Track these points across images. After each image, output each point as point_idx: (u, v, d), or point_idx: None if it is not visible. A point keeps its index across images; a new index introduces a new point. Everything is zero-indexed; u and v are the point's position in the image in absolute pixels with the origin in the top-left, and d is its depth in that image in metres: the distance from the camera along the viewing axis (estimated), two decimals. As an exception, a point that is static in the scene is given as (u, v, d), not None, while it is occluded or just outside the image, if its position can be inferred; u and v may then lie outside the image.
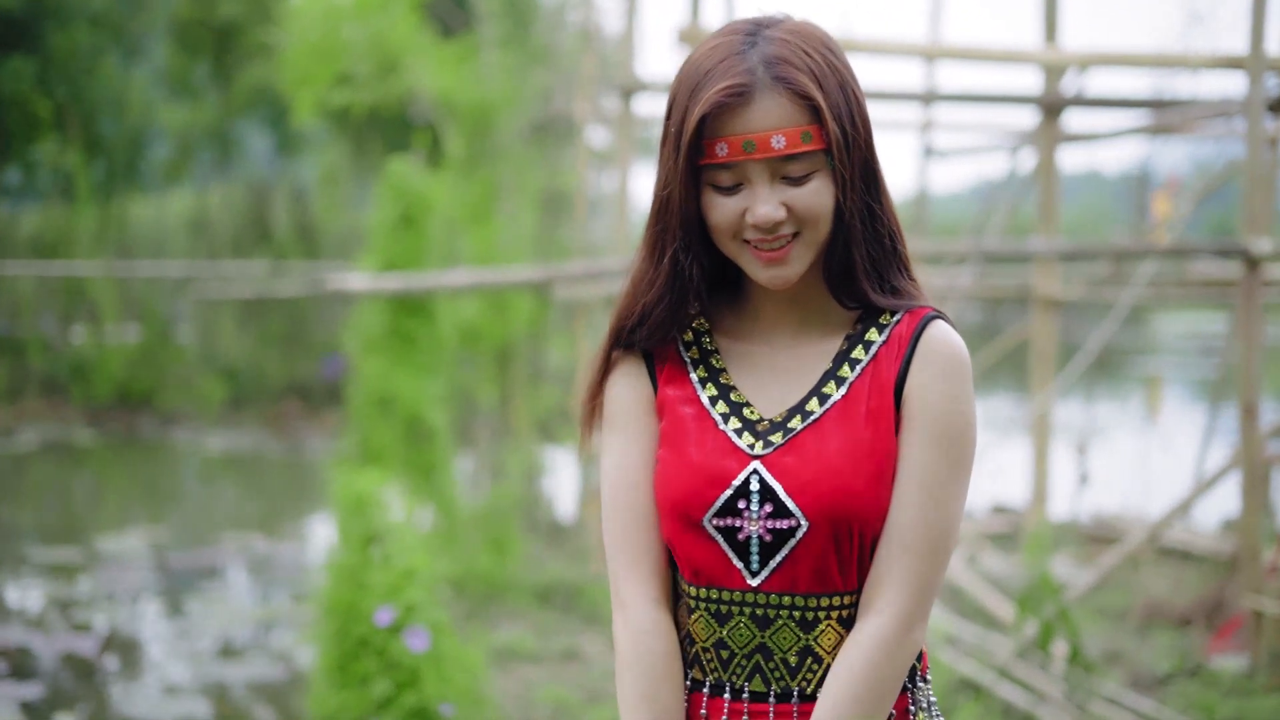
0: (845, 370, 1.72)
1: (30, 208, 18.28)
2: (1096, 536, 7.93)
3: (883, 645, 1.65)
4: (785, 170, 1.64)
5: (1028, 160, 8.45)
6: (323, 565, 5.11)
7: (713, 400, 1.75)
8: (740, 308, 1.80)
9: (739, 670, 1.72)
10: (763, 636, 1.71)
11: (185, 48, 17.36)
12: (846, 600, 1.70)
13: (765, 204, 1.64)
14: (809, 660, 1.70)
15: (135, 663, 6.35)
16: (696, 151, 1.66)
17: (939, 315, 1.73)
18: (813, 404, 1.71)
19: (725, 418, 1.73)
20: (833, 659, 1.70)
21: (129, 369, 15.40)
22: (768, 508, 1.68)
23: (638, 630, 1.73)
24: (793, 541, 1.67)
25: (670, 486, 1.72)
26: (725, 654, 1.73)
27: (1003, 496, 9.21)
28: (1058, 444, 9.65)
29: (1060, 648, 5.16)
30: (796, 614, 1.69)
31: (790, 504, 1.67)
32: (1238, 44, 5.99)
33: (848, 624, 1.70)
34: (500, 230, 8.48)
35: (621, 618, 1.75)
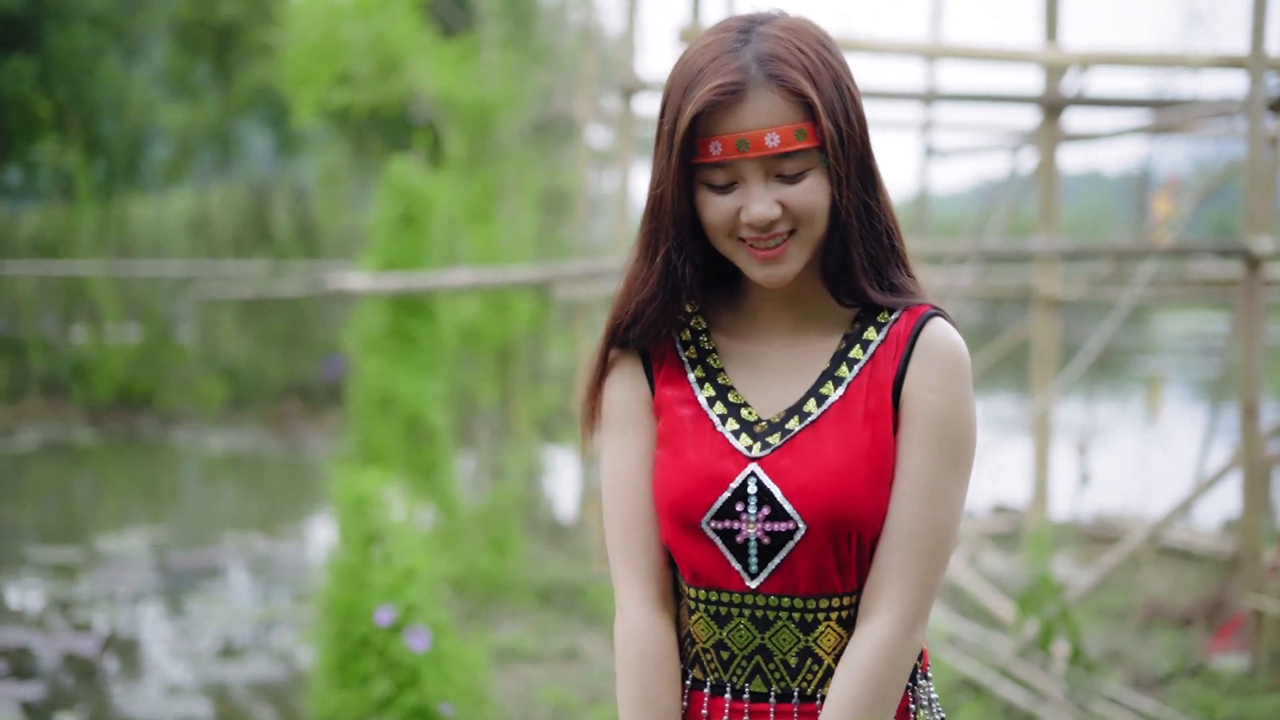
0: (843, 370, 1.71)
1: (31, 207, 18.29)
2: (1097, 536, 7.93)
3: (885, 648, 1.65)
4: (780, 168, 1.63)
5: (1028, 160, 8.45)
6: (323, 565, 5.11)
7: (710, 401, 1.74)
8: (738, 306, 1.79)
9: (739, 671, 1.72)
10: (762, 638, 1.70)
11: (186, 47, 17.36)
12: (846, 601, 1.69)
13: (760, 203, 1.63)
14: (809, 661, 1.70)
15: (136, 663, 6.35)
16: (690, 150, 1.65)
17: (937, 313, 1.72)
18: (810, 405, 1.70)
19: (723, 419, 1.73)
20: (833, 660, 1.70)
21: (129, 369, 15.40)
22: (765, 510, 1.67)
23: (633, 632, 1.74)
24: (791, 544, 1.67)
25: (668, 489, 1.72)
26: (725, 655, 1.73)
27: (1003, 496, 9.21)
28: (1058, 444, 9.65)
29: (1061, 647, 5.16)
30: (796, 615, 1.69)
31: (788, 507, 1.66)
32: (1238, 43, 5.99)
33: (847, 625, 1.70)
34: (501, 230, 8.48)
35: (619, 619, 1.75)
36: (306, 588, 7.27)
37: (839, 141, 1.63)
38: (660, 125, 1.68)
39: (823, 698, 1.71)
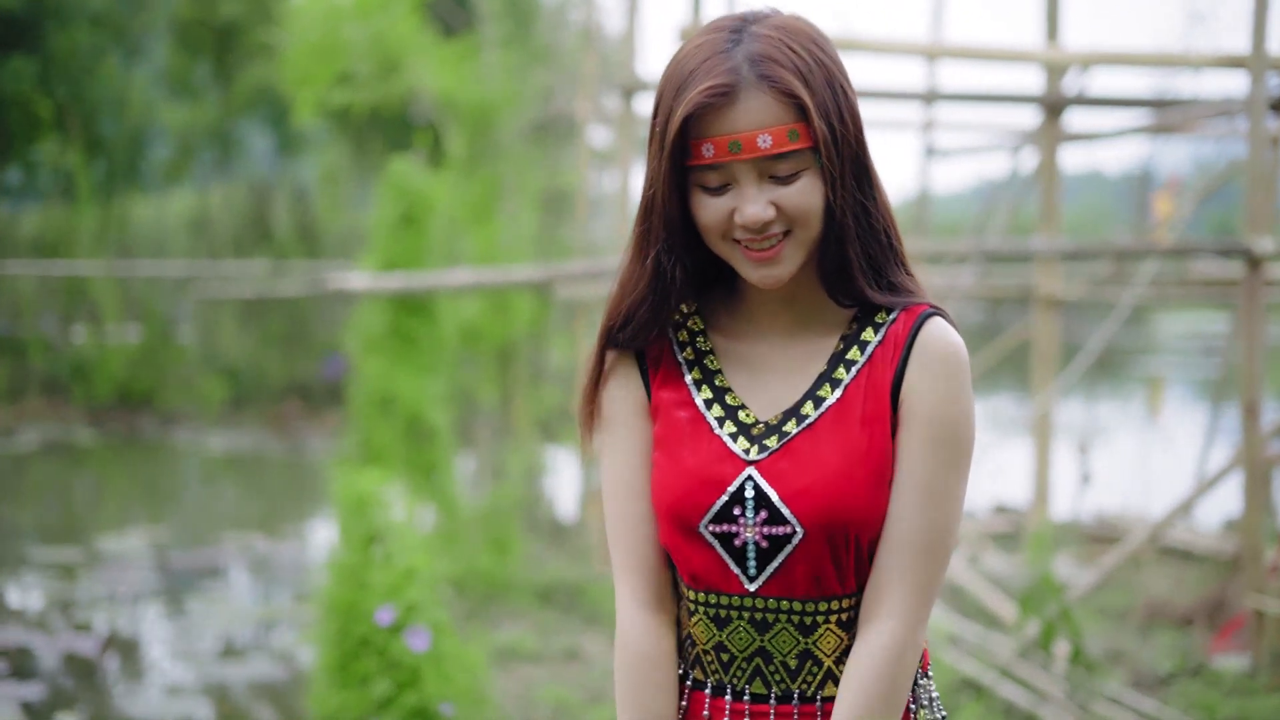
0: (840, 372, 1.70)
1: (31, 207, 18.29)
2: (1098, 536, 7.93)
3: (891, 652, 1.65)
4: (773, 169, 1.62)
5: (1029, 160, 8.45)
6: (324, 565, 5.10)
7: (708, 403, 1.74)
8: (735, 306, 1.78)
9: (739, 673, 1.72)
10: (762, 640, 1.70)
11: (186, 47, 17.37)
12: (845, 604, 1.69)
13: (753, 204, 1.62)
14: (809, 663, 1.70)
15: (136, 663, 6.35)
16: (682, 153, 1.64)
17: (936, 312, 1.71)
18: (808, 407, 1.70)
19: (720, 421, 1.72)
20: (833, 661, 1.70)
21: (130, 369, 15.41)
22: (763, 514, 1.67)
23: (627, 633, 1.75)
24: (789, 548, 1.66)
25: (666, 492, 1.71)
26: (725, 657, 1.73)
27: (1004, 496, 9.20)
28: (1059, 444, 9.65)
29: (1062, 647, 5.16)
30: (795, 618, 1.69)
31: (785, 511, 1.66)
32: (1239, 43, 5.98)
33: (847, 627, 1.70)
34: (501, 230, 8.48)
35: (617, 621, 1.77)
36: (307, 588, 7.27)
37: (832, 141, 1.62)
38: (653, 126, 1.67)
39: (823, 699, 1.70)
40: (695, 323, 1.79)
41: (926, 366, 1.67)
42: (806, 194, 1.63)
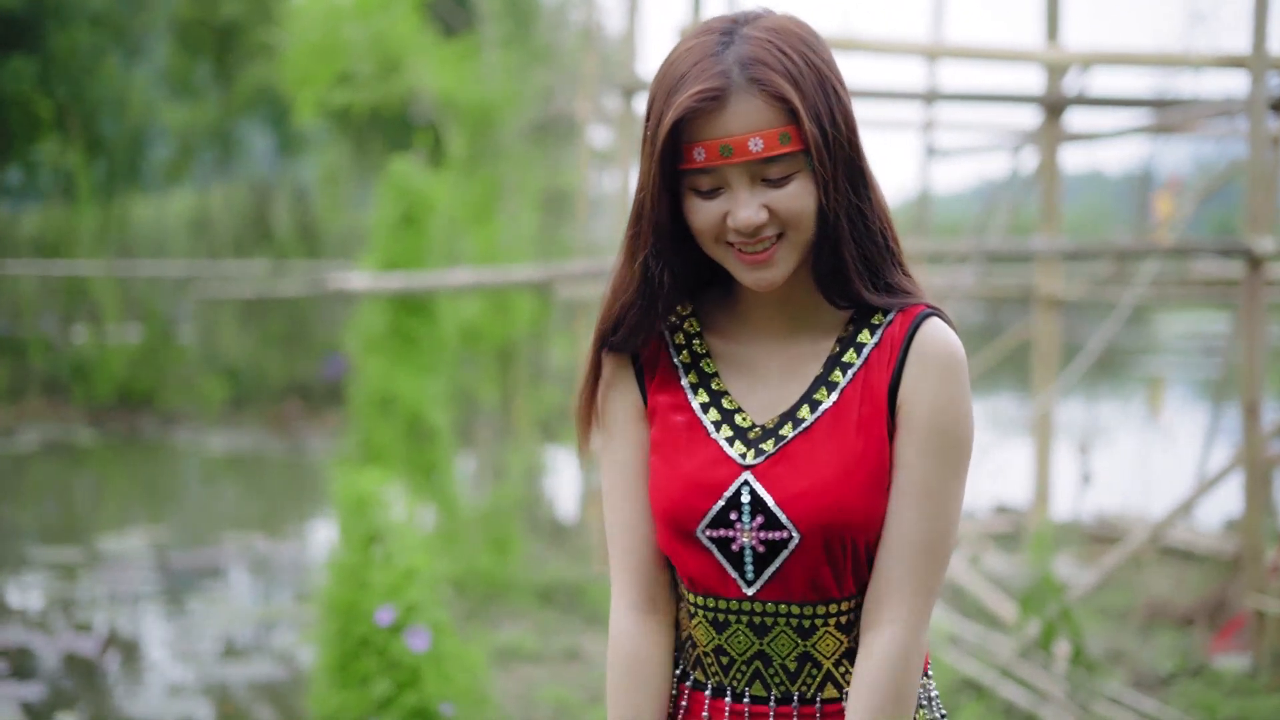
0: (836, 375, 1.70)
1: (31, 207, 18.30)
2: (1099, 536, 7.93)
3: (897, 657, 1.65)
4: (765, 172, 1.61)
5: (1030, 160, 8.45)
6: (324, 565, 5.10)
7: (704, 407, 1.73)
8: (732, 308, 1.78)
9: (739, 675, 1.72)
10: (761, 644, 1.70)
11: (186, 47, 17.37)
12: (844, 606, 1.69)
13: (745, 208, 1.61)
14: (808, 666, 1.70)
15: (136, 663, 6.35)
16: (674, 157, 1.63)
17: (933, 312, 1.70)
18: (804, 411, 1.69)
19: (717, 425, 1.72)
20: (832, 664, 1.70)
21: (130, 369, 15.41)
22: (759, 519, 1.66)
23: (617, 635, 1.76)
24: (785, 552, 1.66)
25: (663, 497, 1.71)
26: (725, 660, 1.73)
27: (1005, 496, 9.20)
28: (1060, 444, 9.64)
29: (1062, 647, 5.16)
30: (793, 622, 1.69)
31: (781, 516, 1.65)
32: (1240, 43, 5.99)
33: (846, 629, 1.70)
34: (501, 230, 8.48)
35: (610, 622, 1.78)
36: (307, 588, 7.27)
37: (823, 144, 1.61)
38: (644, 130, 1.67)
39: (823, 701, 1.71)
40: (691, 325, 1.78)
41: (923, 369, 1.66)
42: (799, 197, 1.62)
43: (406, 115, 10.42)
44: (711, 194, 1.64)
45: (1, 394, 15.12)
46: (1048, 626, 5.08)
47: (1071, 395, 14.11)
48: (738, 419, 1.72)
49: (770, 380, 1.73)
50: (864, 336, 1.70)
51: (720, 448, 1.70)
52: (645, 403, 1.77)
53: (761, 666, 1.71)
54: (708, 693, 1.75)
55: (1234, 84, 9.29)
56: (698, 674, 1.76)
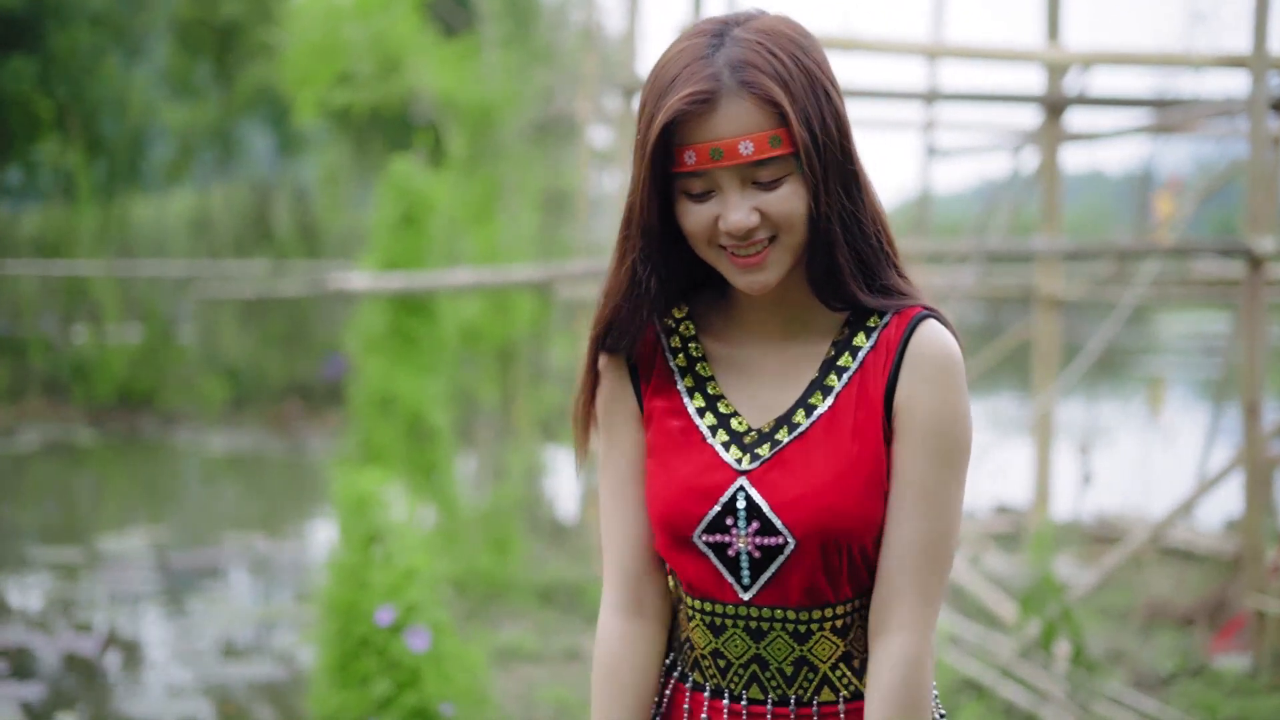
0: (832, 379, 1.69)
1: (32, 207, 18.30)
2: (1099, 536, 7.93)
3: (909, 663, 1.64)
4: (756, 175, 1.60)
5: (1030, 160, 8.45)
6: (324, 565, 5.10)
7: (700, 412, 1.73)
8: (727, 310, 1.77)
9: (737, 678, 1.72)
10: (758, 648, 1.70)
11: (186, 47, 17.37)
12: (839, 610, 1.69)
13: (736, 211, 1.61)
14: (805, 669, 1.70)
15: (136, 663, 6.35)
16: (665, 160, 1.62)
17: (929, 314, 1.69)
18: (799, 416, 1.69)
19: (713, 430, 1.71)
20: (828, 668, 1.70)
21: (130, 369, 15.41)
22: (755, 525, 1.66)
23: (600, 637, 1.78)
24: (781, 558, 1.66)
25: (659, 503, 1.71)
26: (722, 663, 1.73)
27: (1005, 496, 9.20)
28: (1060, 444, 9.64)
29: (1063, 647, 5.16)
30: (789, 626, 1.69)
31: (777, 522, 1.65)
32: (1240, 43, 5.98)
33: (842, 633, 1.70)
34: (502, 230, 8.48)
35: (597, 624, 1.79)
36: (307, 588, 7.26)
37: (814, 147, 1.60)
38: (636, 133, 1.66)
39: (819, 703, 1.71)
40: (687, 328, 1.78)
41: (920, 372, 1.66)
42: (790, 199, 1.61)
43: (406, 115, 10.41)
44: (703, 197, 1.63)
45: (2, 394, 15.12)
46: (1048, 626, 5.08)
47: (1072, 395, 14.10)
48: (734, 423, 1.71)
49: (766, 383, 1.72)
50: (859, 340, 1.70)
51: (716, 453, 1.70)
52: (640, 407, 1.77)
53: (758, 670, 1.71)
54: (706, 694, 1.75)
55: (1234, 84, 9.30)
56: (696, 675, 1.76)
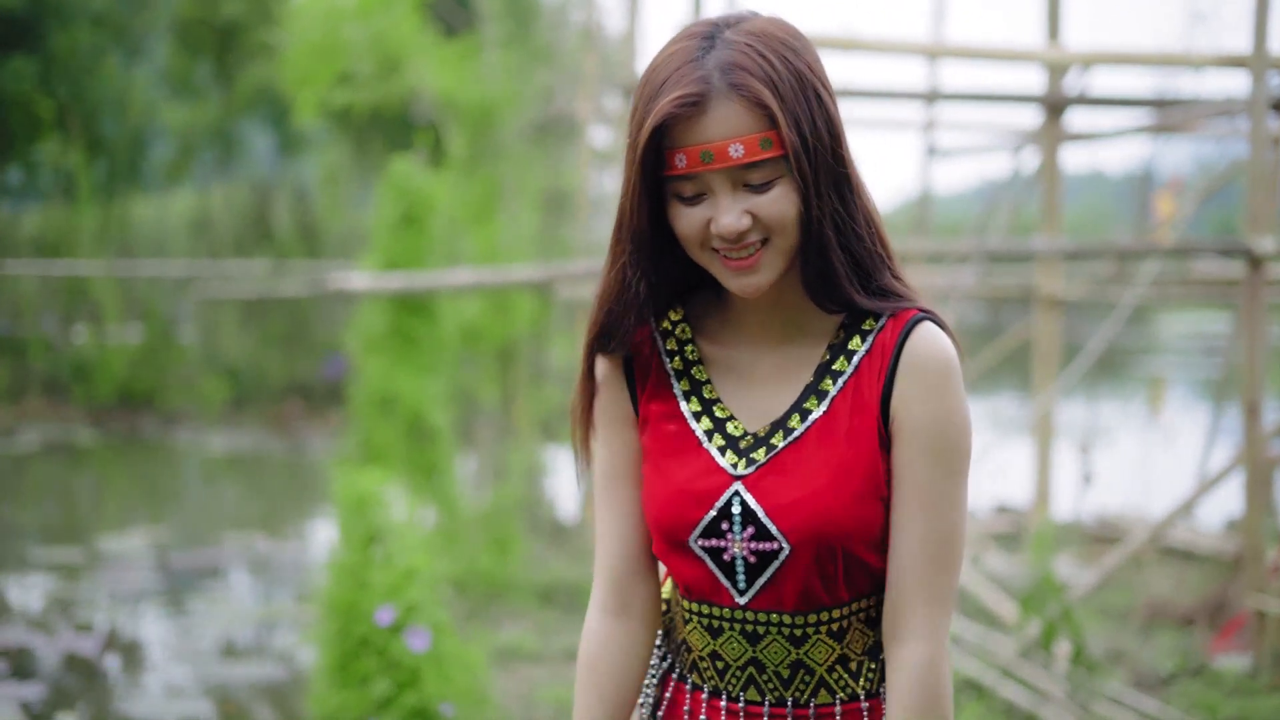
0: (827, 383, 1.69)
1: (32, 207, 18.30)
2: (1099, 536, 7.92)
3: (925, 667, 1.65)
4: (747, 178, 1.60)
5: (1031, 160, 8.45)
6: (324, 565, 5.10)
7: (696, 415, 1.73)
8: (723, 312, 1.77)
9: (734, 680, 1.73)
10: (754, 651, 1.71)
11: (187, 47, 17.37)
12: (835, 614, 1.69)
13: (727, 214, 1.60)
14: (801, 672, 1.70)
15: (137, 663, 6.35)
16: (656, 163, 1.62)
17: (925, 316, 1.68)
18: (794, 420, 1.68)
19: (709, 434, 1.71)
20: (825, 670, 1.70)
21: (131, 369, 15.41)
22: (750, 530, 1.66)
23: (584, 635, 1.80)
24: (776, 563, 1.66)
25: (655, 507, 1.71)
26: (720, 665, 1.73)
27: (1006, 496, 9.20)
28: (1061, 444, 9.64)
29: (1063, 647, 5.15)
30: (785, 630, 1.69)
31: (771, 527, 1.65)
32: (1240, 43, 5.98)
33: (838, 637, 1.70)
34: (502, 230, 8.48)
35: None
36: (307, 588, 7.26)
37: (804, 150, 1.59)
38: (628, 136, 1.65)
39: (816, 705, 1.71)
40: (683, 330, 1.77)
41: (915, 377, 1.65)
42: (782, 202, 1.60)
43: (407, 115, 10.41)
44: (694, 200, 1.63)
45: (2, 394, 15.12)
46: (1048, 626, 5.08)
47: (1072, 395, 14.10)
48: (729, 427, 1.71)
49: (762, 386, 1.72)
50: (854, 343, 1.69)
51: (711, 457, 1.69)
52: (636, 410, 1.77)
53: (755, 672, 1.71)
54: (705, 694, 1.76)
55: (1235, 84, 9.29)
56: (695, 677, 1.77)
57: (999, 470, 8.56)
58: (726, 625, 1.71)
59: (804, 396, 1.69)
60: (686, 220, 1.64)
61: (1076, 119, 11.04)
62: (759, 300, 1.71)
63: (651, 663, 1.85)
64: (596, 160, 10.77)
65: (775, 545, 1.65)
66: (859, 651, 1.72)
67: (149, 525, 9.56)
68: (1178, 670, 5.39)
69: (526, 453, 8.68)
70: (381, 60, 8.45)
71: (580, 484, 1.84)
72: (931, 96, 7.91)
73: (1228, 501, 8.06)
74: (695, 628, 1.74)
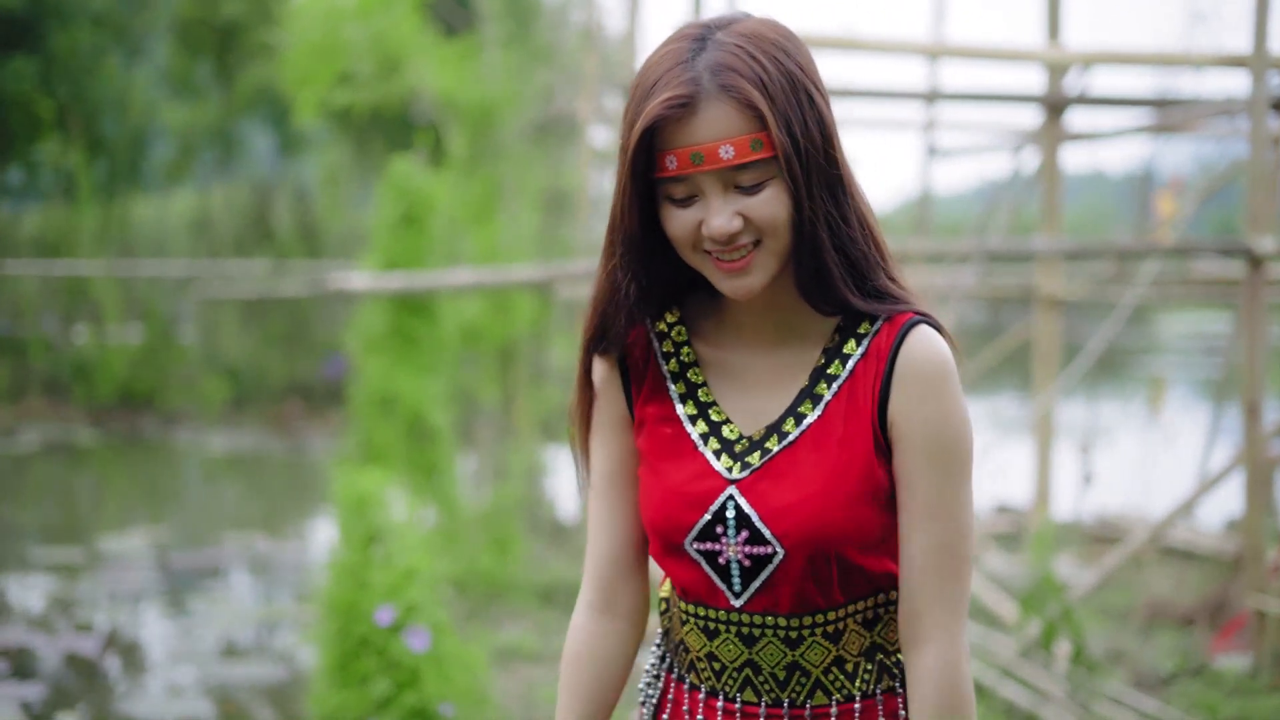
0: (821, 388, 1.68)
1: (32, 207, 18.31)
2: (1100, 536, 7.92)
3: (949, 670, 1.65)
4: (738, 179, 1.59)
5: (1031, 159, 8.45)
6: (324, 565, 5.10)
7: (691, 419, 1.73)
8: (719, 314, 1.76)
9: (731, 681, 1.73)
10: (750, 653, 1.71)
11: (187, 47, 17.37)
12: (830, 617, 1.69)
13: (718, 216, 1.59)
14: (797, 674, 1.71)
15: (137, 663, 6.35)
16: (647, 166, 1.61)
17: (921, 320, 1.67)
18: (789, 424, 1.68)
19: (704, 438, 1.71)
20: (820, 672, 1.71)
21: (131, 369, 15.41)
22: (744, 534, 1.66)
23: (570, 630, 1.81)
24: (770, 567, 1.66)
25: (651, 510, 1.71)
26: (717, 666, 1.74)
27: (1006, 496, 9.20)
28: (1061, 444, 9.64)
29: (1063, 647, 5.15)
30: (780, 633, 1.69)
31: (766, 532, 1.65)
32: (1241, 42, 5.98)
33: (834, 638, 1.70)
34: (502, 230, 8.48)
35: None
36: (307, 588, 7.27)
37: (794, 151, 1.58)
38: (620, 138, 1.65)
39: (812, 706, 1.71)
40: (679, 333, 1.77)
41: (912, 383, 1.65)
42: (773, 203, 1.60)
43: (407, 115, 10.41)
44: (686, 202, 1.62)
45: (2, 394, 15.12)
46: (1048, 626, 5.08)
47: (1072, 395, 14.10)
48: (725, 430, 1.71)
49: (757, 389, 1.72)
50: (849, 347, 1.69)
51: (706, 461, 1.69)
52: (631, 412, 1.77)
53: (751, 674, 1.72)
54: (702, 693, 1.76)
55: (1235, 83, 9.29)
56: (692, 677, 1.77)
57: (999, 470, 8.56)
58: (722, 628, 1.71)
59: (798, 400, 1.69)
60: (678, 222, 1.63)
61: (1076, 119, 11.03)
62: (754, 302, 1.70)
63: (651, 662, 1.86)
64: (597, 160, 10.77)
65: (769, 550, 1.65)
66: (855, 653, 1.72)
67: (149, 525, 9.56)
68: (1178, 670, 5.39)
69: (526, 453, 8.68)
70: (381, 60, 8.45)
71: (582, 493, 1.84)
72: (931, 96, 7.91)
73: (1228, 501, 8.06)
74: (692, 629, 1.74)
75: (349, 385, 7.26)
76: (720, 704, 1.74)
